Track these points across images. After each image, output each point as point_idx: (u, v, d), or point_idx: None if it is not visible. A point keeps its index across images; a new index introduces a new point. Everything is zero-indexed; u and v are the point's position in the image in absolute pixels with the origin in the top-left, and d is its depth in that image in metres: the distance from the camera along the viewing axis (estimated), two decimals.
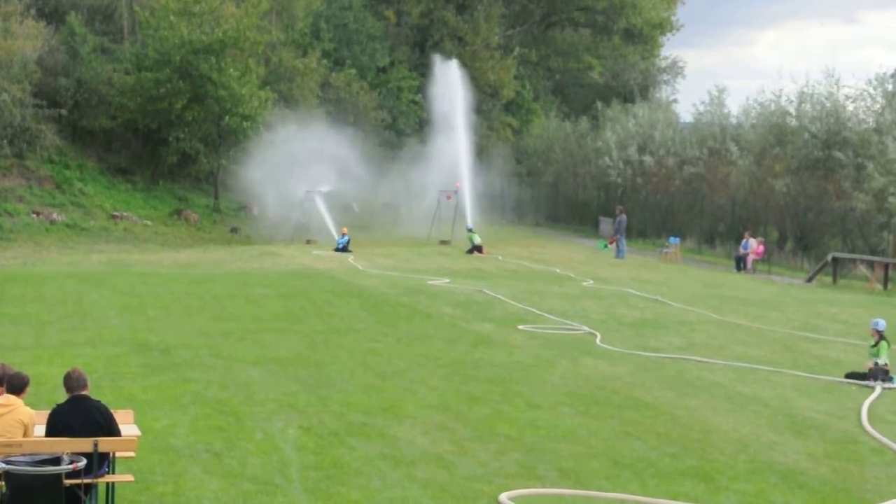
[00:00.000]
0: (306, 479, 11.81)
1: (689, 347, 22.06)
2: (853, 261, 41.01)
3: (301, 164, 49.35)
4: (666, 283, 34.86)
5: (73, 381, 10.42)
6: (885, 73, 48.76)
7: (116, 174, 51.70)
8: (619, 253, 45.12)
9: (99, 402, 10.40)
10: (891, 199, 42.19)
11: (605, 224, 54.60)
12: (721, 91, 57.95)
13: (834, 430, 15.19)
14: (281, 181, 49.12)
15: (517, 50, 72.72)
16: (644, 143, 59.00)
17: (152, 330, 21.48)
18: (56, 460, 9.49)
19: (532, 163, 70.38)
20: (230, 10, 52.26)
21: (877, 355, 19.07)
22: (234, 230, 50.28)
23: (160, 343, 19.89)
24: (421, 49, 68.68)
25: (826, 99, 49.14)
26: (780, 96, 52.50)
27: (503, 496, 11.43)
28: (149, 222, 48.02)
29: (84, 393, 10.39)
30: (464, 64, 59.95)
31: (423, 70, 64.50)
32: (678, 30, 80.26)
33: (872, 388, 18.08)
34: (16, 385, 10.47)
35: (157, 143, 52.29)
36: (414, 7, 68.75)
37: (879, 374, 18.73)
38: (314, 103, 57.57)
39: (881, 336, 19.25)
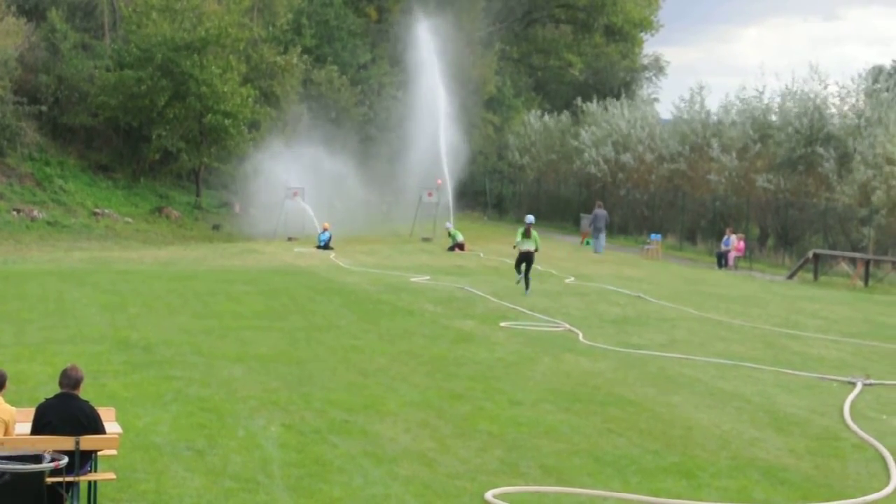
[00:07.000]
0: (288, 477, 11.79)
1: (670, 344, 22.10)
2: (834, 257, 41.15)
3: (282, 161, 49.28)
4: (647, 280, 34.92)
5: (63, 378, 10.42)
6: (868, 69, 49.12)
7: (97, 171, 51.50)
8: (597, 248, 45.37)
9: (86, 402, 10.37)
10: (877, 191, 42.26)
11: (587, 221, 54.63)
12: (702, 88, 57.94)
13: (816, 427, 15.24)
14: (262, 178, 49.05)
15: (498, 46, 72.66)
16: (623, 140, 58.96)
17: (133, 327, 21.41)
18: (37, 458, 9.45)
19: (513, 159, 70.36)
20: (212, 7, 52.14)
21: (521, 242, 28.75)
22: (215, 227, 50.13)
23: (141, 340, 19.82)
24: (402, 46, 68.50)
25: (809, 96, 49.26)
26: (762, 92, 52.68)
27: (489, 494, 11.42)
28: (130, 220, 47.81)
29: (71, 391, 10.35)
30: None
31: (403, 66, 64.38)
32: (657, 30, 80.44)
33: (854, 385, 18.16)
34: None
35: (139, 141, 52.10)
36: (394, 4, 68.63)
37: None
38: (295, 100, 57.44)
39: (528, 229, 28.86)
